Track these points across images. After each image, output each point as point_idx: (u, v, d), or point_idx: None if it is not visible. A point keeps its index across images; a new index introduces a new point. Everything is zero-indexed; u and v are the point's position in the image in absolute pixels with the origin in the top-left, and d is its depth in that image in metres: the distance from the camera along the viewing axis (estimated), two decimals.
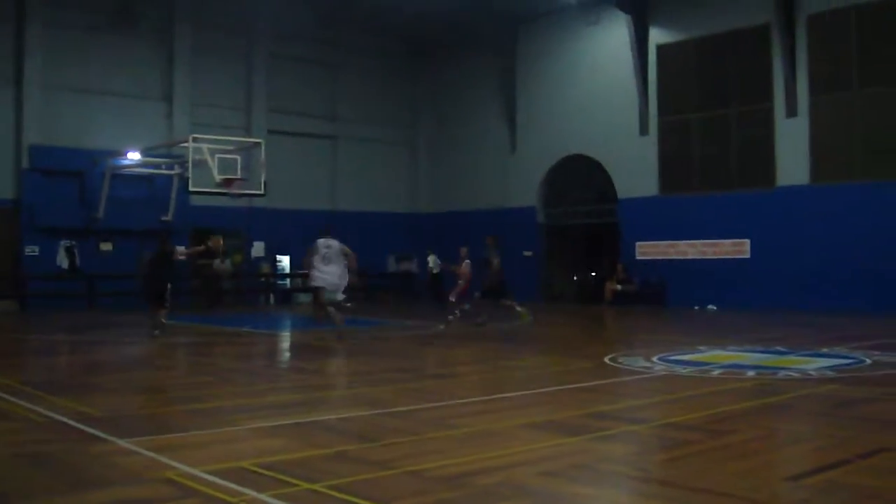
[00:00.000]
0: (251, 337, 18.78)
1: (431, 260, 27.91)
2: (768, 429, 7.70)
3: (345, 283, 16.36)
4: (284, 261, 32.76)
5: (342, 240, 16.38)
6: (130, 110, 29.23)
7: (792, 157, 25.22)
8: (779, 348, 13.84)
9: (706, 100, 27.35)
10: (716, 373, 11.09)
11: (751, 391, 9.80)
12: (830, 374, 10.91)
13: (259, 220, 30.62)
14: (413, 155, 36.91)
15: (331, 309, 16.39)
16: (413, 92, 36.82)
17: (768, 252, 25.51)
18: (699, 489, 5.51)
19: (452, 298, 21.13)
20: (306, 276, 19.08)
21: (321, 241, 16.13)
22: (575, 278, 32.28)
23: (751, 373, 11.04)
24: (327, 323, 16.89)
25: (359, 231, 31.52)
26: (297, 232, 31.30)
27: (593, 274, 31.34)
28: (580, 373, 11.72)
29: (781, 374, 11.01)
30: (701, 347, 14.32)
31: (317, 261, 16.07)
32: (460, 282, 21.47)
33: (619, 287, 28.37)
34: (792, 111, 25.17)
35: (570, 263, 32.47)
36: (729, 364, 11.99)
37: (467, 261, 21.47)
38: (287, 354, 16.55)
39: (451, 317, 20.32)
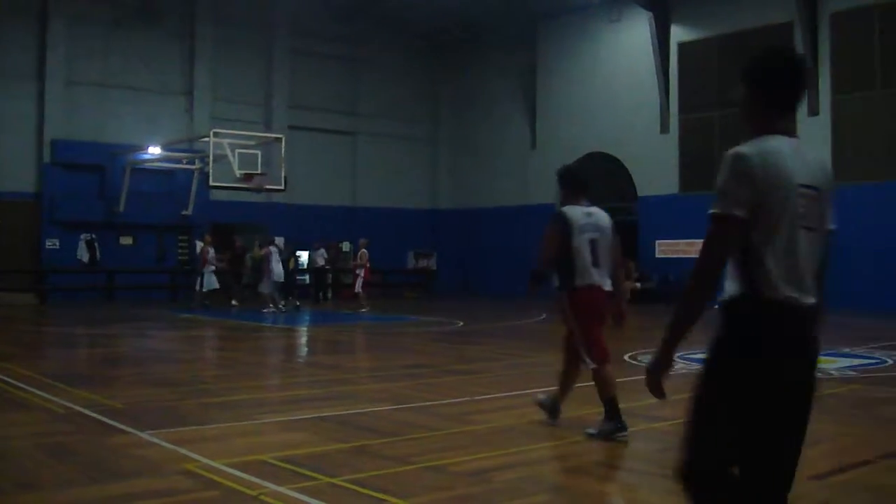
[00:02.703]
0: (271, 331, 18.81)
1: (320, 254, 28.22)
2: None
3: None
4: (304, 256, 32.76)
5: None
6: (151, 105, 29.28)
7: None
8: None
9: (727, 98, 27.15)
10: None
11: None
12: (852, 373, 10.83)
13: (279, 215, 30.62)
14: (433, 151, 36.87)
15: None
16: (433, 88, 36.76)
17: None
18: None
19: (358, 290, 24.00)
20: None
21: None
22: None
23: None
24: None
25: (379, 227, 31.69)
26: (317, 228, 31.42)
27: None
28: None
29: None
30: None
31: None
32: (358, 272, 24.20)
33: (637, 285, 28.25)
34: (814, 110, 24.98)
35: None
36: None
37: (364, 251, 24.01)
38: (306, 349, 16.57)
39: (363, 308, 23.04)
